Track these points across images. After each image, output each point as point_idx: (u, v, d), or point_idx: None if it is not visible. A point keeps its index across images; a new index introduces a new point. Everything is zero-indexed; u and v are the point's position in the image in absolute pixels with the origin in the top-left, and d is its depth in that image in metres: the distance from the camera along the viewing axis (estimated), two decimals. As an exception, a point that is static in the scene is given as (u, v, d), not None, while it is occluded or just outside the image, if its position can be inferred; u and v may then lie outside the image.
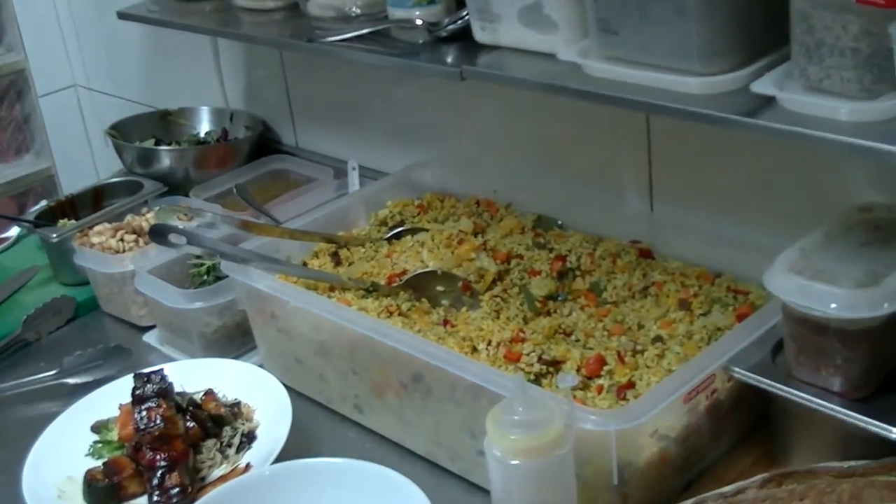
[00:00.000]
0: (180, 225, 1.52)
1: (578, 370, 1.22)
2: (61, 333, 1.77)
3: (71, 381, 1.60)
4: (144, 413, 1.32)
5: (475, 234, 1.57)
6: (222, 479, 1.30)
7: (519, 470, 1.00)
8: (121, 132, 2.16)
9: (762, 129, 0.99)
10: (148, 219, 1.80)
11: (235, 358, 1.54)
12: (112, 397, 1.45)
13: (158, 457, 1.28)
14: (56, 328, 1.77)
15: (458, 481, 1.28)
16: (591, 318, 1.34)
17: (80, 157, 2.84)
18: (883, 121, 0.94)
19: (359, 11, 1.53)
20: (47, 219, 1.91)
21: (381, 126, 1.93)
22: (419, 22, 1.42)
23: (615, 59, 1.15)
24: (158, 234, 1.46)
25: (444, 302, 1.44)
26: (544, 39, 1.25)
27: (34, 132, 2.84)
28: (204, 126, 2.24)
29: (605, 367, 1.22)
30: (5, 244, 2.09)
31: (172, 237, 1.45)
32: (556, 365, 1.23)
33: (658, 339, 1.26)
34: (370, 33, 1.46)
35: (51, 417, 1.45)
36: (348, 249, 1.59)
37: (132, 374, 1.40)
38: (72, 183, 2.77)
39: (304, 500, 1.20)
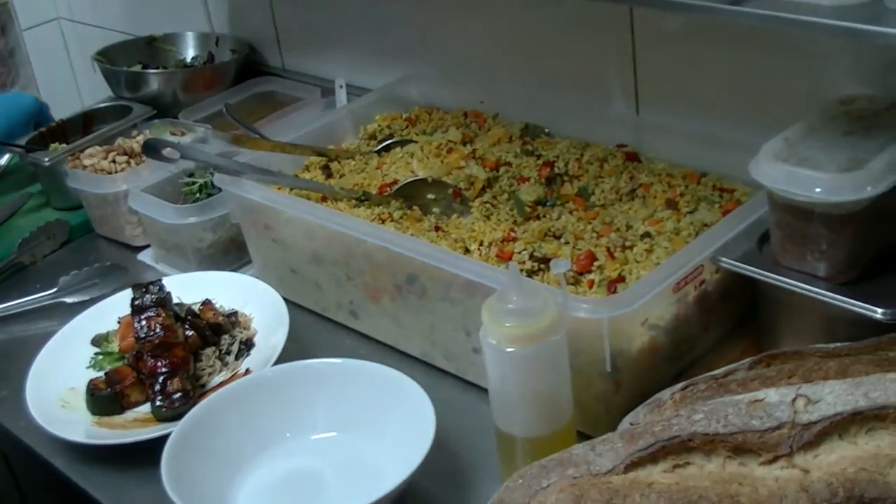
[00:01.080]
0: (174, 140, 1.53)
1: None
2: (56, 256, 1.77)
3: (68, 300, 1.61)
4: (144, 322, 1.33)
5: (464, 144, 1.58)
6: (222, 384, 1.32)
7: (514, 357, 1.02)
8: (108, 59, 2.15)
9: (745, 16, 0.99)
10: (138, 140, 1.80)
11: (231, 271, 1.55)
12: (110, 312, 1.47)
13: (160, 363, 1.30)
14: (51, 251, 1.78)
15: (454, 380, 1.30)
16: (580, 221, 1.35)
17: (65, 89, 2.82)
18: (863, 3, 0.95)
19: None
20: (39, 144, 1.91)
21: (368, 44, 1.92)
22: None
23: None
24: (152, 148, 1.46)
25: (435, 209, 1.45)
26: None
27: (19, 66, 2.82)
28: (190, 51, 2.24)
29: (596, 263, 1.23)
30: (-2, 170, 2.10)
31: (166, 152, 1.46)
32: (547, 262, 1.25)
33: (646, 235, 1.28)
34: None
35: (50, 335, 1.46)
36: (339, 162, 1.60)
37: (130, 287, 1.41)
38: (59, 112, 2.76)
39: (305, 399, 1.22)
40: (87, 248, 1.79)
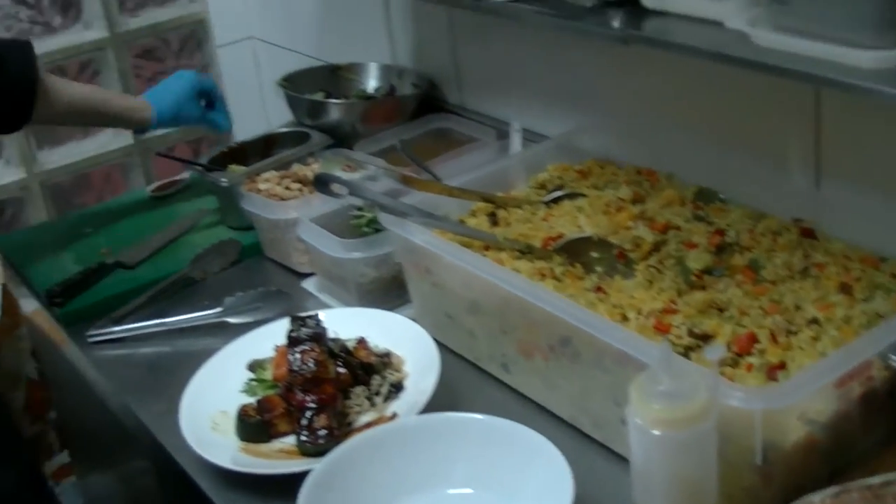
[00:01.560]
0: (344, 175, 1.55)
1: (729, 347, 1.19)
2: (225, 274, 1.82)
3: (231, 320, 1.65)
4: (298, 355, 1.35)
5: (634, 203, 1.55)
6: (368, 425, 1.32)
7: (660, 441, 0.99)
8: (292, 84, 2.21)
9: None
10: (314, 169, 1.84)
11: (389, 310, 1.56)
12: (269, 338, 1.49)
13: (309, 398, 1.31)
14: (221, 269, 1.83)
15: (600, 449, 1.27)
16: (746, 296, 1.31)
17: (253, 106, 2.90)
18: None
19: (527, -28, 1.52)
20: (219, 164, 1.97)
21: (546, 88, 1.91)
22: (588, -16, 1.40)
23: (785, 29, 1.11)
24: (322, 182, 1.49)
25: (598, 269, 1.42)
26: (713, 6, 1.22)
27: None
28: (372, 82, 2.27)
29: (757, 346, 1.19)
30: (180, 185, 2.17)
31: (335, 186, 1.48)
32: (705, 339, 1.21)
33: (814, 321, 1.22)
34: (533, -6, 1.45)
35: (210, 353, 1.50)
36: (506, 210, 1.59)
37: (289, 317, 1.44)
38: (244, 132, 2.84)
39: (445, 452, 1.21)
40: (255, 270, 1.83)
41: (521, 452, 1.17)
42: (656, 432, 0.99)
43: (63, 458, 2.45)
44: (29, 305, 1.93)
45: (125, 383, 1.57)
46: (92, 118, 2.01)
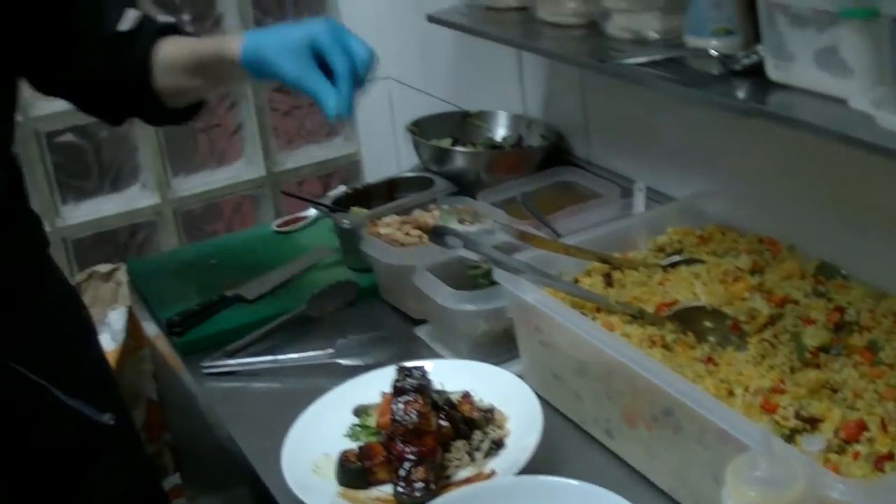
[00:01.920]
0: (460, 228, 1.57)
1: (836, 432, 1.17)
2: (341, 315, 1.86)
3: (342, 361, 1.68)
4: (401, 405, 1.37)
5: (752, 273, 1.54)
6: (467, 480, 1.34)
7: (754, 527, 0.98)
8: (421, 129, 2.25)
9: None
10: (434, 216, 1.87)
11: (497, 364, 1.57)
12: (377, 384, 1.52)
13: (408, 450, 1.33)
14: (337, 309, 1.87)
15: (698, 523, 1.26)
16: (862, 378, 1.28)
17: (384, 145, 2.95)
18: None
19: (657, 36, 1.53)
20: (343, 204, 2.02)
21: (673, 149, 1.91)
22: (714, 53, 1.40)
23: (912, 113, 1.10)
24: (437, 234, 1.52)
25: (711, 338, 1.41)
26: (838, 84, 1.21)
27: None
28: (501, 130, 2.30)
29: (866, 434, 1.17)
30: (304, 222, 2.23)
31: (450, 239, 1.51)
32: (813, 423, 1.19)
33: (929, 412, 1.20)
34: (664, 59, 1.45)
35: (319, 393, 1.54)
36: (622, 272, 1.59)
37: (396, 365, 1.46)
38: (375, 168, 2.91)
39: (540, 515, 1.22)
40: (371, 313, 1.86)
41: (615, 524, 1.17)
42: (750, 518, 0.98)
43: (175, 479, 2.52)
44: (151, 329, 2.00)
45: (234, 416, 1.62)
46: (197, 69, 1.61)
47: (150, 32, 1.61)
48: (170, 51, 1.61)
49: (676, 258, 1.61)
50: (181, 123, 1.74)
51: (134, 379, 2.50)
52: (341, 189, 2.13)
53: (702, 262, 1.58)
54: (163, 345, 1.90)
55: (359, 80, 1.51)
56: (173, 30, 1.65)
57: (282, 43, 1.50)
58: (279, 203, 2.87)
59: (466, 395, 1.46)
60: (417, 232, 1.85)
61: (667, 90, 1.51)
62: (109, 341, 2.41)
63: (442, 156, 2.14)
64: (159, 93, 1.63)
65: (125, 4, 1.62)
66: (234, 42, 1.54)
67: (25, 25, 1.52)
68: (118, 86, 1.62)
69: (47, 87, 1.67)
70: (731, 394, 1.27)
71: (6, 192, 1.52)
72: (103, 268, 2.60)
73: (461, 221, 1.72)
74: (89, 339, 1.73)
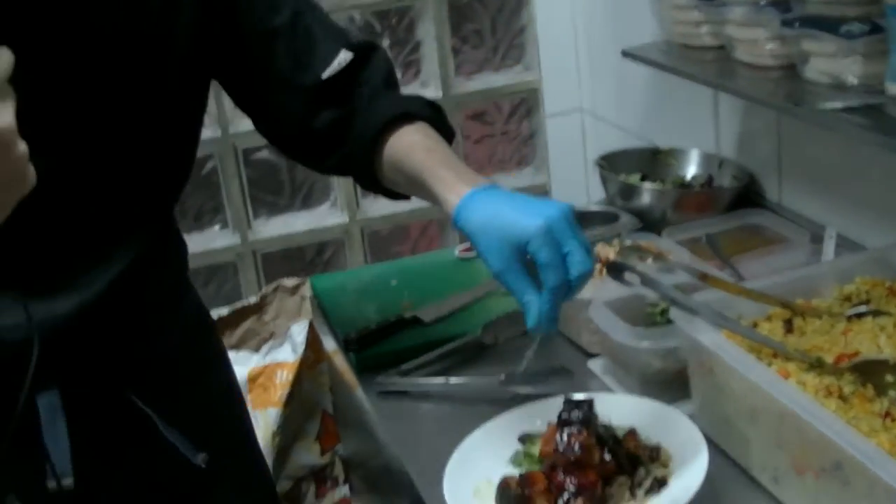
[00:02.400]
0: (639, 265, 1.58)
1: None
2: (515, 343, 1.88)
3: (512, 389, 1.70)
4: (566, 437, 1.39)
5: (943, 330, 1.49)
6: (625, 517, 1.35)
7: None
8: (610, 163, 2.26)
9: None
10: (616, 251, 1.88)
11: (669, 403, 1.57)
12: (546, 413, 1.52)
13: (569, 481, 1.35)
14: (510, 337, 1.89)
15: (864, 584, 1.23)
16: None
17: (574, 177, 2.98)
18: None
19: (856, 82, 1.51)
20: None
21: (867, 197, 1.87)
22: (915, 101, 1.38)
23: None
24: (615, 270, 1.53)
25: (892, 393, 1.38)
26: None
27: (537, 148, 3.03)
28: (691, 168, 2.29)
29: None
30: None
31: (628, 275, 1.51)
32: None
33: None
34: (863, 105, 1.43)
35: (486, 418, 1.56)
36: (803, 319, 1.57)
37: (564, 396, 1.48)
38: (562, 200, 2.93)
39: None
40: (546, 343, 1.88)
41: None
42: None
43: (344, 490, 2.60)
44: (330, 344, 2.07)
45: (403, 434, 1.66)
46: (416, 189, 1.55)
47: (383, 114, 1.55)
48: (402, 148, 1.53)
49: (863, 309, 1.57)
50: (393, 199, 1.69)
51: (311, 391, 2.60)
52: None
53: (889, 314, 1.55)
54: (340, 360, 1.96)
55: (570, 293, 1.37)
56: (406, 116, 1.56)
57: (492, 230, 1.37)
58: (465, 229, 2.92)
59: (632, 432, 1.46)
60: (598, 266, 1.86)
61: (864, 137, 1.49)
62: (290, 353, 2.52)
63: (629, 191, 2.15)
64: (379, 174, 1.59)
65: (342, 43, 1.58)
66: (452, 200, 1.43)
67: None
68: (342, 153, 1.59)
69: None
70: (906, 451, 1.23)
71: (155, 211, 1.52)
72: (289, 281, 2.72)
73: (641, 259, 1.72)
74: (215, 368, 1.71)
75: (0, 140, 1.00)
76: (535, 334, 1.40)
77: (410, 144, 1.53)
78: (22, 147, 1.03)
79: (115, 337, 1.43)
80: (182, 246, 1.62)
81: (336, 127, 1.57)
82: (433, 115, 1.60)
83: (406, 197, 1.66)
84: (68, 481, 1.32)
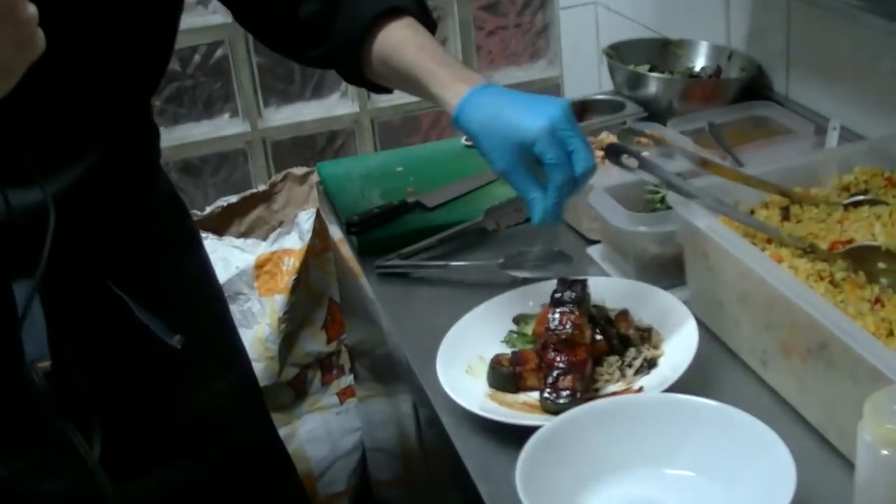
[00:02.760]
0: (638, 149, 1.58)
1: None
2: (517, 229, 1.90)
3: (511, 272, 1.72)
4: (557, 316, 1.41)
5: (937, 218, 1.50)
6: (613, 394, 1.37)
7: (887, 461, 0.98)
8: (619, 53, 2.25)
9: None
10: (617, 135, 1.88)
11: (664, 289, 1.58)
12: (542, 295, 1.55)
13: (559, 359, 1.37)
14: (514, 224, 1.91)
15: (841, 461, 1.26)
16: None
17: (587, 69, 2.96)
18: None
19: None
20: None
21: (875, 89, 1.86)
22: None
23: None
24: (613, 152, 1.53)
25: (883, 280, 1.39)
26: None
27: (550, 41, 3.02)
28: (700, 60, 2.28)
29: None
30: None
31: (625, 159, 1.52)
32: (972, 368, 1.17)
33: None
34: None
35: (483, 300, 1.59)
36: (801, 207, 1.57)
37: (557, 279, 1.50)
38: (575, 93, 2.92)
39: (675, 432, 1.24)
40: (547, 230, 1.88)
41: (749, 445, 1.18)
42: (885, 452, 0.99)
43: (349, 379, 2.65)
44: (336, 233, 2.09)
45: (401, 316, 1.69)
46: (411, 85, 1.58)
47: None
48: (392, 44, 1.55)
49: (859, 198, 1.58)
50: (379, 93, 1.72)
51: (319, 280, 2.63)
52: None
53: (886, 203, 1.55)
54: (346, 250, 1.98)
55: (574, 188, 1.42)
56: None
57: (495, 130, 1.41)
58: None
59: (624, 313, 1.49)
60: (601, 153, 1.86)
61: (875, 24, 1.47)
62: (297, 240, 2.54)
63: (636, 80, 2.15)
64: (365, 68, 1.61)
65: None
66: (451, 100, 1.47)
67: None
68: (327, 46, 1.61)
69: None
70: (891, 334, 1.25)
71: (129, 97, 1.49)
72: (299, 170, 2.73)
73: (639, 143, 1.72)
74: (188, 251, 1.69)
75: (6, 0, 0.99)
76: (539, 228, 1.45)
77: (401, 40, 1.55)
78: (31, 9, 1.02)
79: (90, 225, 1.42)
80: (154, 133, 1.59)
81: (320, 18, 1.59)
82: (419, 9, 1.62)
83: (389, 90, 1.69)
84: (45, 364, 1.32)
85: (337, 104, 2.86)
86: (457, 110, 1.45)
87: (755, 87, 2.15)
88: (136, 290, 1.46)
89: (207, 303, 1.72)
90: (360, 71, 1.63)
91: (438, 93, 1.49)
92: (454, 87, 1.47)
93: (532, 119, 1.38)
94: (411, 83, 1.55)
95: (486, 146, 1.43)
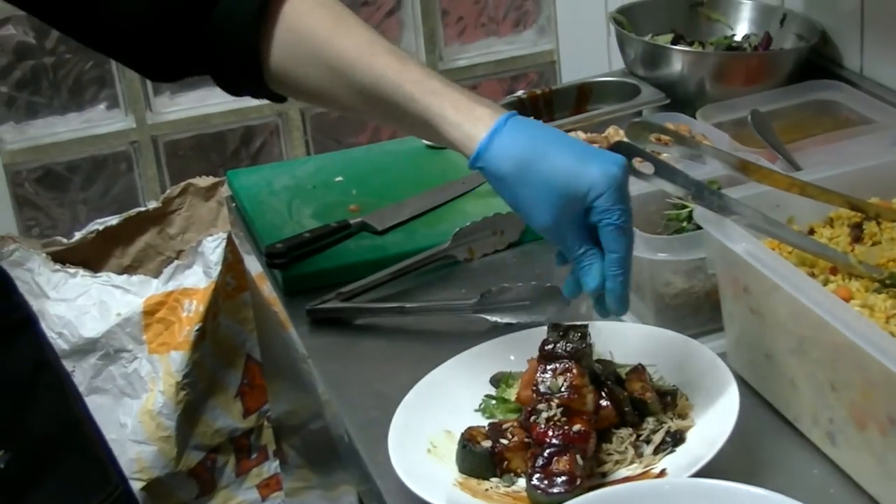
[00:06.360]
0: (652, 149, 1.59)
1: None
2: (497, 258, 1.91)
3: (488, 317, 1.73)
4: (549, 374, 1.42)
5: None
6: (627, 480, 1.38)
7: None
8: (631, 18, 2.26)
9: None
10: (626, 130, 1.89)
11: (693, 336, 1.59)
12: (526, 348, 1.56)
13: (552, 432, 1.38)
14: (493, 251, 1.92)
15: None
16: None
17: (591, 43, 2.97)
18: None
19: None
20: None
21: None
22: None
23: None
24: (623, 154, 1.54)
25: None
26: None
27: (541, 4, 3.03)
28: (743, 26, 2.30)
29: None
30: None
31: (639, 163, 1.53)
32: None
33: None
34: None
35: (452, 354, 1.60)
36: (878, 223, 1.59)
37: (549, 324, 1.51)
38: (576, 74, 2.93)
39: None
40: (537, 258, 1.90)
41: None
42: None
43: (274, 466, 2.64)
44: (254, 266, 2.08)
45: (343, 380, 1.69)
46: (369, 104, 1.54)
47: None
48: (308, 36, 1.54)
49: (957, 212, 1.60)
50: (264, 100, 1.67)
51: (231, 329, 2.63)
52: (515, 95, 2.17)
53: None
54: (268, 288, 1.98)
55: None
56: None
57: (538, 181, 1.41)
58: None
59: (640, 370, 1.49)
60: (606, 154, 1.88)
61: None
62: (201, 276, 2.54)
63: (655, 56, 2.16)
64: (264, 69, 1.57)
65: None
66: (471, 129, 1.44)
67: None
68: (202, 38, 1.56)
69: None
70: None
71: None
72: (203, 181, 2.74)
73: (657, 141, 1.74)
74: (16, 341, 1.63)
75: None
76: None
77: (327, 29, 1.53)
78: None
79: None
80: None
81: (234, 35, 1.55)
82: None
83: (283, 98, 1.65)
84: None
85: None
86: (480, 148, 1.43)
87: (817, 62, 2.17)
88: None
89: (49, 403, 1.64)
90: (258, 73, 1.58)
91: (445, 131, 1.47)
92: (470, 113, 1.45)
93: (594, 167, 1.40)
94: (367, 101, 1.52)
95: (524, 197, 1.42)
